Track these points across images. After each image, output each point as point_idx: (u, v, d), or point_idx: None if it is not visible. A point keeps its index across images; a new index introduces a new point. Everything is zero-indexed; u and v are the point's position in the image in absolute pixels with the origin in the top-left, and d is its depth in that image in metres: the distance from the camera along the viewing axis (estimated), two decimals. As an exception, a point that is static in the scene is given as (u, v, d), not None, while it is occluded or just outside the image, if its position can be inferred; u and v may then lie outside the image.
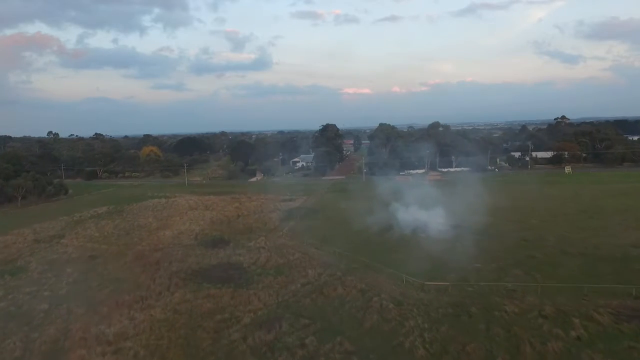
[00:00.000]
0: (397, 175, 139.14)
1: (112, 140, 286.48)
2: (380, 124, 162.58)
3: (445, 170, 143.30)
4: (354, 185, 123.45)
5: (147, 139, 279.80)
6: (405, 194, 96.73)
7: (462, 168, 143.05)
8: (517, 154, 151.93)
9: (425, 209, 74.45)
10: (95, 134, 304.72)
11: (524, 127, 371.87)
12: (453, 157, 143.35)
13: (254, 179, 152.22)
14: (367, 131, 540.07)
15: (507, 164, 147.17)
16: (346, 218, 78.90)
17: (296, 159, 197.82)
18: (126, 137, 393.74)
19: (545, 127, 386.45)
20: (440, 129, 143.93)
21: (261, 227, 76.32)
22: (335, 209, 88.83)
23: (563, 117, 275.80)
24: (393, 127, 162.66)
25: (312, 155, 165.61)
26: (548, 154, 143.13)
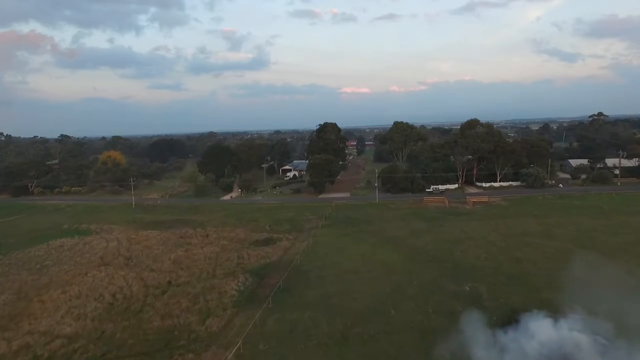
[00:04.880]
0: (423, 192, 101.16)
1: (77, 143, 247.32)
2: (396, 123, 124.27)
3: (487, 185, 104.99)
4: (365, 212, 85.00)
5: (116, 141, 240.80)
6: (460, 236, 58.86)
7: (511, 182, 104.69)
8: (582, 162, 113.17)
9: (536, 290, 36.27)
10: (61, 135, 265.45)
11: (546, 125, 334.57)
12: (497, 167, 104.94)
13: (227, 197, 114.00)
14: (367, 130, 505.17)
15: (570, 176, 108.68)
16: (365, 305, 40.58)
17: (287, 167, 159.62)
18: (103, 138, 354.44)
19: (565, 125, 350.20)
20: (480, 128, 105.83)
21: (194, 328, 38.29)
22: (339, 272, 50.50)
23: (600, 113, 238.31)
24: (412, 127, 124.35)
25: (306, 164, 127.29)
26: (631, 162, 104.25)
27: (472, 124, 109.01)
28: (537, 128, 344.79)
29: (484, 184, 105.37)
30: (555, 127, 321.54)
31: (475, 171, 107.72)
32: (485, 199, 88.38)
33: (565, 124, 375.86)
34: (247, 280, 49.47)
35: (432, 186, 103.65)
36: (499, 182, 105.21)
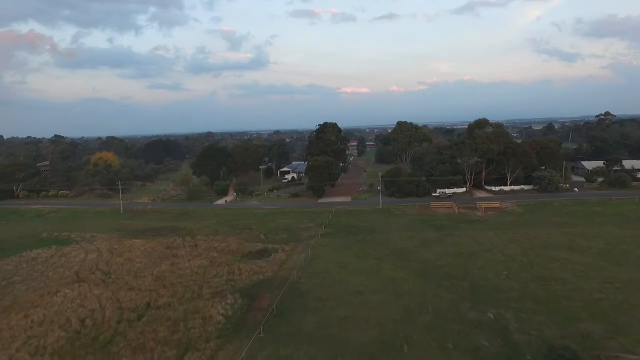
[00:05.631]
0: (429, 196, 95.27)
1: (71, 144, 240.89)
2: (399, 122, 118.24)
3: (497, 188, 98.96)
4: (368, 219, 78.94)
5: (110, 142, 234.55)
6: (475, 248, 52.79)
7: (522, 186, 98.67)
8: (596, 164, 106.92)
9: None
10: (55, 135, 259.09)
11: (550, 125, 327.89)
12: (507, 169, 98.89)
13: (222, 201, 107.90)
14: (367, 130, 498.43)
15: (585, 179, 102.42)
16: (372, 338, 34.48)
17: (286, 168, 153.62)
18: (99, 138, 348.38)
19: (567, 125, 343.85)
20: (490, 129, 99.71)
21: (169, 367, 32.23)
22: (341, 292, 44.40)
23: (607, 113, 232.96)
24: (417, 127, 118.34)
25: (305, 165, 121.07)
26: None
27: (480, 123, 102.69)
28: (540, 128, 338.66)
29: (493, 188, 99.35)
30: (556, 127, 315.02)
31: (483, 174, 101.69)
32: (497, 204, 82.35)
33: (566, 124, 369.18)
34: (236, 302, 43.44)
35: (438, 190, 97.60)
36: (509, 185, 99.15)
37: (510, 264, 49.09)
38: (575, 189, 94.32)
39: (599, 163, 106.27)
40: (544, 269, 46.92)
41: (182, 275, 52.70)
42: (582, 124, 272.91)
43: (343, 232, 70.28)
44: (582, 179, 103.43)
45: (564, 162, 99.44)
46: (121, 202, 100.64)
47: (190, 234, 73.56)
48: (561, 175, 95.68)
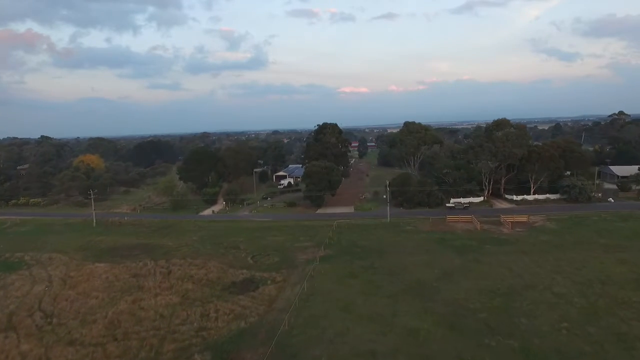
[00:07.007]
0: (442, 206, 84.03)
1: (57, 145, 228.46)
2: (407, 123, 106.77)
3: (519, 198, 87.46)
4: (375, 237, 67.38)
5: (98, 143, 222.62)
6: (513, 282, 41.29)
7: (547, 195, 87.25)
8: (628, 169, 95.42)
9: None
10: (41, 136, 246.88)
11: (557, 125, 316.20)
12: (531, 176, 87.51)
13: (209, 211, 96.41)
14: (367, 130, 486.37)
15: (617, 187, 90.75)
16: None
17: (282, 173, 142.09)
18: (91, 139, 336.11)
19: (570, 125, 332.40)
20: (512, 129, 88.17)
21: None
22: (346, 353, 32.94)
23: (621, 112, 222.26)
24: (426, 128, 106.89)
25: (302, 170, 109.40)
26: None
27: (500, 124, 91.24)
28: (546, 128, 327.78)
29: (514, 197, 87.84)
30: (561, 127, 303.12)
31: (503, 181, 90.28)
32: (524, 218, 70.85)
33: (568, 124, 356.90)
34: (205, 368, 32.04)
35: (452, 200, 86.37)
36: (533, 194, 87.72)
37: (567, 310, 37.63)
38: (610, 199, 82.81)
39: (631, 168, 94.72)
40: (615, 318, 35.48)
41: (143, 319, 41.30)
42: (589, 124, 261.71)
43: (346, 254, 58.80)
44: (614, 187, 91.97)
45: (597, 168, 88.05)
46: (94, 213, 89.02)
47: (165, 256, 62.08)
48: (593, 183, 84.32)
